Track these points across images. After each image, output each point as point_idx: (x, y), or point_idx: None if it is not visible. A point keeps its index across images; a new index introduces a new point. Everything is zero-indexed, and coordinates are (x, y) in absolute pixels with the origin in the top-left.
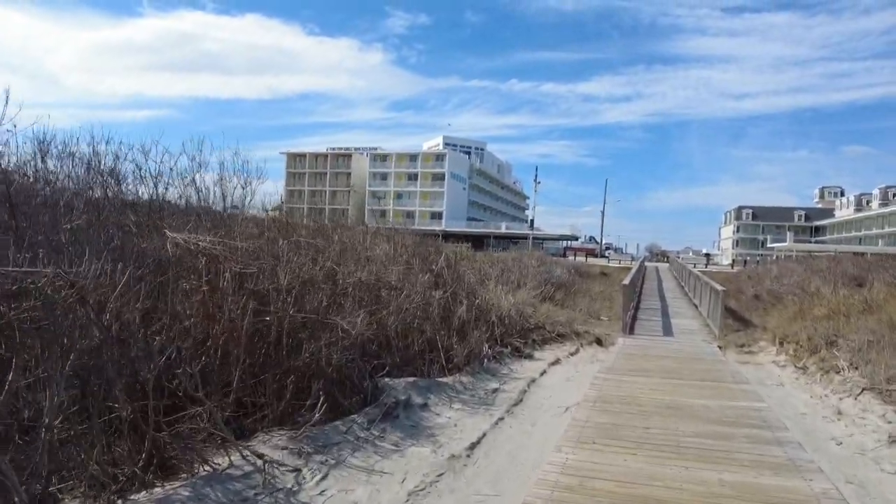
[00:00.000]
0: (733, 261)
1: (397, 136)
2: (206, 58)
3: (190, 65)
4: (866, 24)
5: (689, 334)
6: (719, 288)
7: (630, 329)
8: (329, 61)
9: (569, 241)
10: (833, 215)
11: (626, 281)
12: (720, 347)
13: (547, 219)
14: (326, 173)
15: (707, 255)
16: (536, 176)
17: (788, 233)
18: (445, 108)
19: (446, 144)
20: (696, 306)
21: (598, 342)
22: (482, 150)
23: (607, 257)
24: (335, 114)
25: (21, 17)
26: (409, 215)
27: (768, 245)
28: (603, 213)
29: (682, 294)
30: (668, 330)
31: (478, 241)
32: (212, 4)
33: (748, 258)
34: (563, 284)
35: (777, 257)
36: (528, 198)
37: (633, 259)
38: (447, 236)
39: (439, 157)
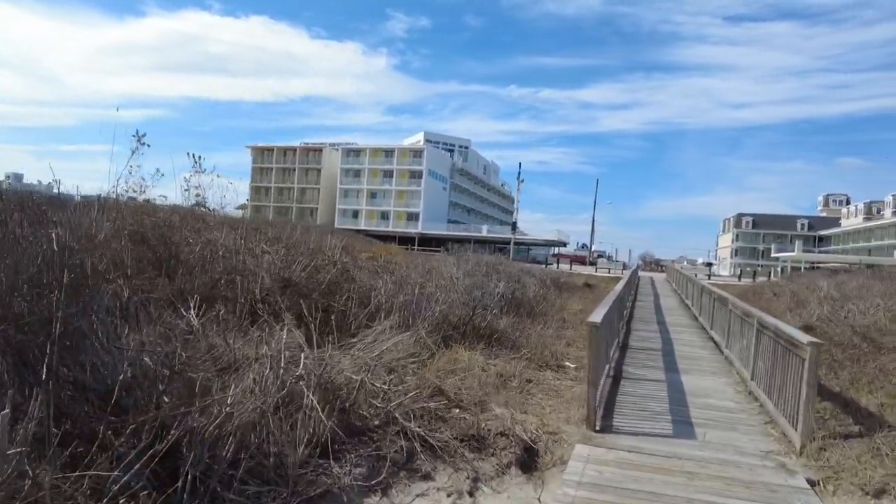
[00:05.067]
0: (741, 272)
1: (393, 140)
2: (210, 59)
3: (193, 66)
4: (866, 36)
5: (727, 427)
6: (805, 339)
7: (605, 413)
8: (334, 65)
9: (557, 248)
10: (838, 224)
11: (598, 317)
12: (815, 486)
13: (543, 226)
14: (295, 169)
15: (709, 264)
16: (520, 174)
17: (796, 241)
18: (444, 112)
19: (427, 141)
20: (716, 345)
21: (526, 463)
22: (466, 148)
23: (595, 265)
24: (333, 116)
25: (23, 16)
26: (384, 216)
27: (772, 254)
28: (594, 217)
29: (691, 319)
30: (681, 413)
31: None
32: (218, 5)
33: (751, 269)
34: (521, 304)
35: (783, 268)
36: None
37: (624, 267)
38: (424, 240)
39: (417, 154)
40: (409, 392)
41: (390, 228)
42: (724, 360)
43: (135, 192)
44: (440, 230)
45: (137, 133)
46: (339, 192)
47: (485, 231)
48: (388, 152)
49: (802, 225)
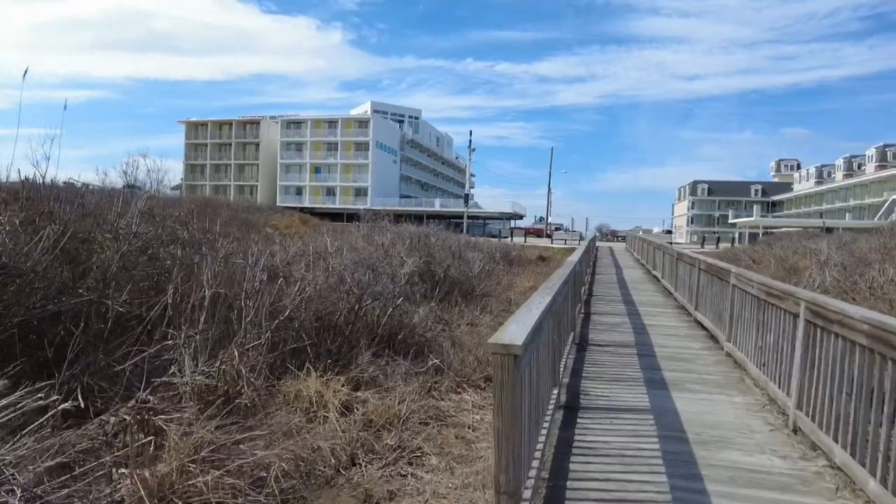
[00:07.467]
0: (703, 238)
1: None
2: (157, 37)
3: (139, 44)
4: (812, 7)
5: None
6: None
7: None
8: (286, 41)
9: (514, 221)
10: (791, 189)
11: (520, 334)
12: None
13: (503, 201)
14: (231, 144)
15: (668, 232)
16: (471, 143)
17: (753, 207)
18: (399, 87)
19: (375, 111)
20: (708, 333)
21: None
22: (417, 119)
23: (552, 237)
24: (285, 94)
25: None
26: (330, 192)
27: (730, 221)
28: (549, 187)
29: (664, 296)
30: (695, 501)
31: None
32: None
33: (708, 235)
34: (458, 284)
35: (741, 234)
36: (474, 175)
37: (581, 238)
38: (374, 216)
39: (363, 124)
40: None
41: (337, 205)
42: (726, 360)
43: None
44: (391, 205)
45: None
46: (280, 168)
47: (437, 205)
48: (332, 123)
49: (756, 191)
